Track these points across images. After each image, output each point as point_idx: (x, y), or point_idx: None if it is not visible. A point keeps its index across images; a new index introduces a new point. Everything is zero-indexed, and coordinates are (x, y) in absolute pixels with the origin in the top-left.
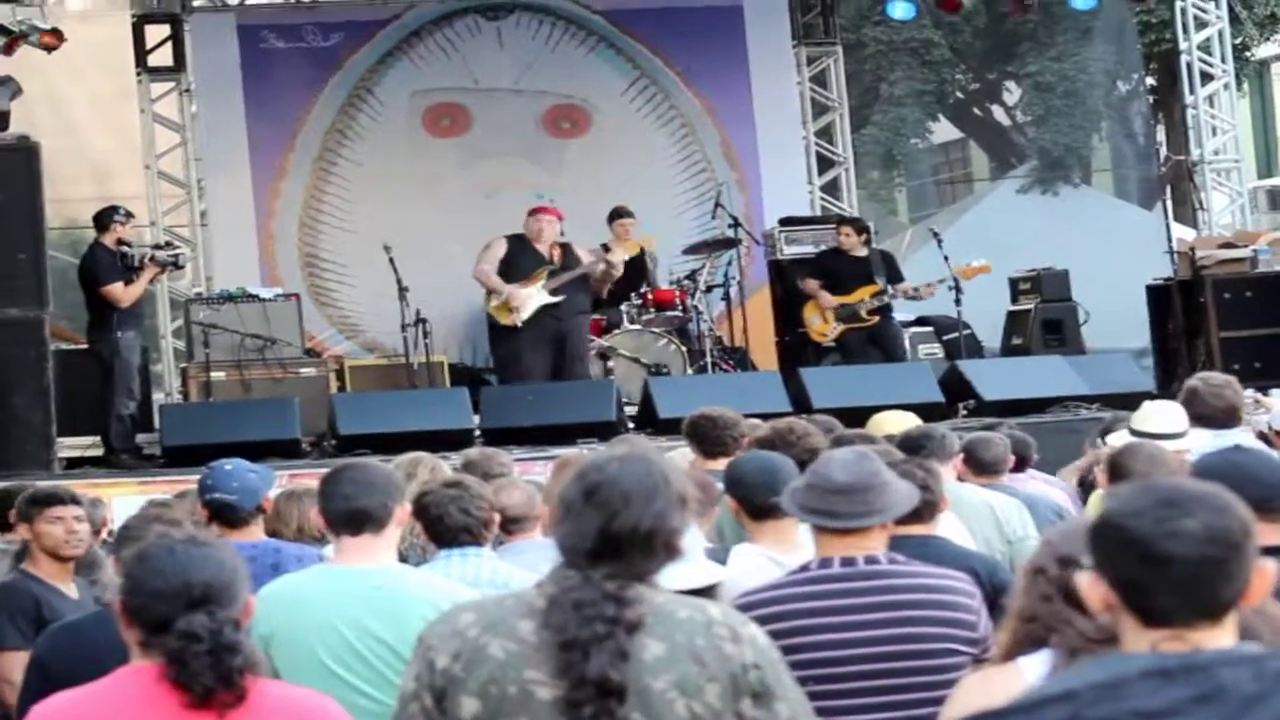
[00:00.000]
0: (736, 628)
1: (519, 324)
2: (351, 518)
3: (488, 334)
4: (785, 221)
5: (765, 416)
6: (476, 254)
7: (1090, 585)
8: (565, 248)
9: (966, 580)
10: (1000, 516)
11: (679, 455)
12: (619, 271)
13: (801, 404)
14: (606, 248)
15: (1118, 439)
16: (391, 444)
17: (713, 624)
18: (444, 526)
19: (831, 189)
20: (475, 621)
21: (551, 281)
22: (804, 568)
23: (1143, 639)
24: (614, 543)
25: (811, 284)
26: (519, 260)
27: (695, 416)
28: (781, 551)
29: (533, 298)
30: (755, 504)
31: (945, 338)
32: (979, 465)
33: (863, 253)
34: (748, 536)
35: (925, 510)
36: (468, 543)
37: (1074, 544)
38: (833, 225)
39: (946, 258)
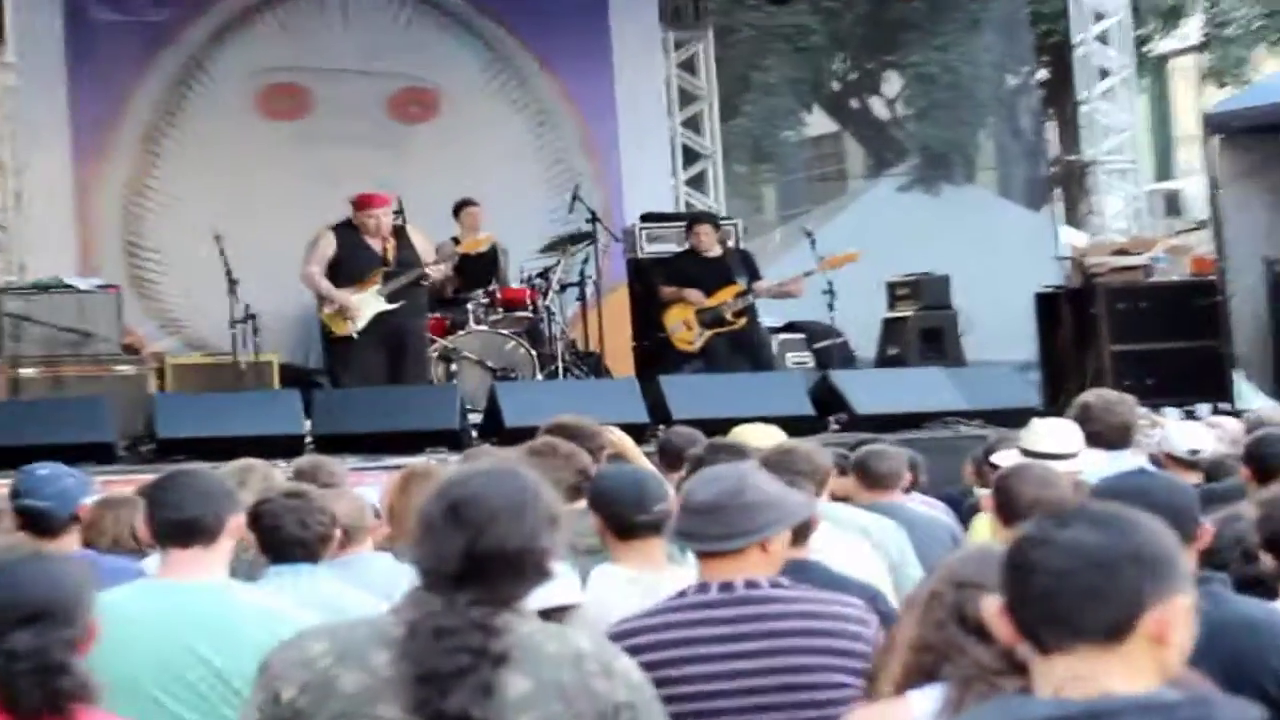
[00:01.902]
0: (609, 662)
1: (354, 334)
2: (181, 528)
3: (319, 339)
4: (646, 218)
5: (623, 428)
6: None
7: (992, 610)
8: (400, 235)
9: (860, 606)
10: (875, 539)
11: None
12: (442, 273)
13: (660, 414)
14: (457, 240)
15: (1004, 458)
16: (215, 449)
17: (583, 658)
18: (278, 539)
19: (697, 183)
20: (327, 651)
21: (388, 285)
22: (681, 594)
23: (1048, 677)
24: (479, 564)
25: (670, 291)
26: (351, 259)
27: (552, 426)
28: (647, 572)
29: (368, 304)
30: (622, 522)
31: (816, 346)
32: (872, 478)
33: (718, 252)
34: (608, 554)
35: (797, 531)
36: (301, 558)
37: (973, 568)
38: (690, 221)
39: (821, 259)
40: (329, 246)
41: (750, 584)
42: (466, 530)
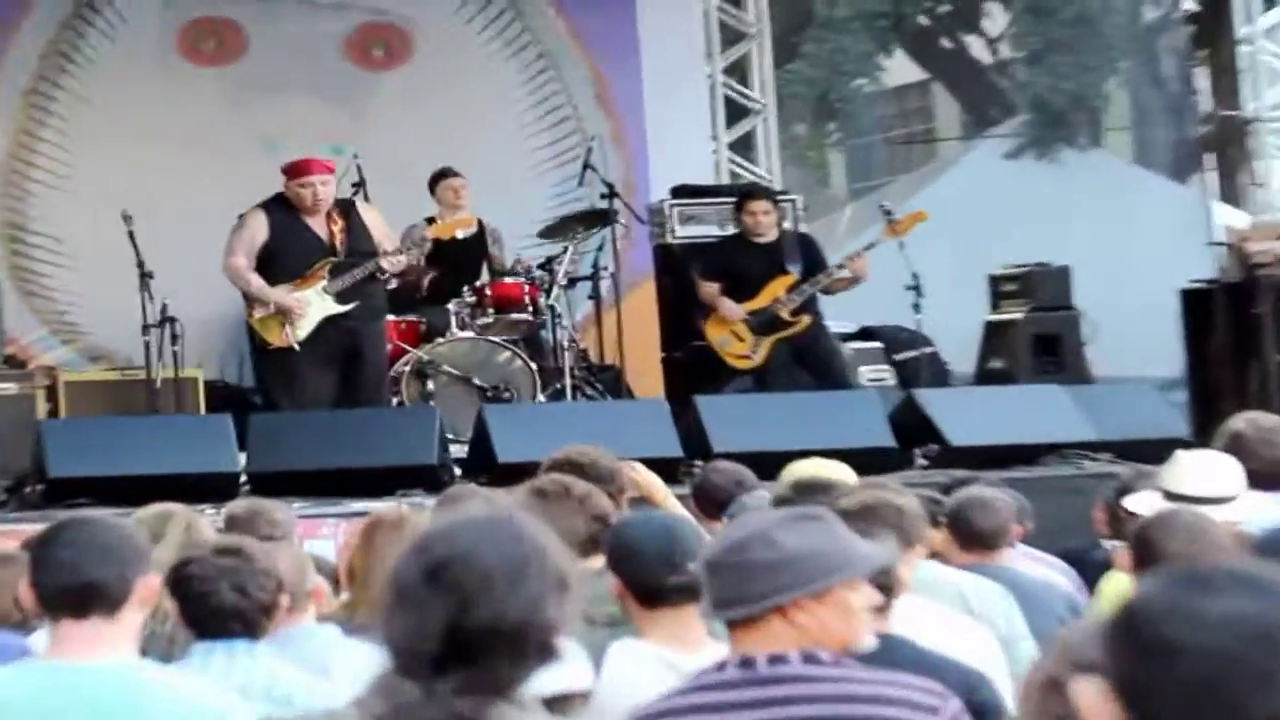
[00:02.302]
0: None
1: (295, 345)
2: (75, 595)
3: (250, 352)
4: (679, 192)
5: (650, 463)
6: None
7: (1095, 699)
8: (349, 214)
9: (934, 691)
10: (976, 608)
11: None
12: (410, 259)
13: (696, 445)
14: (432, 221)
15: (1142, 503)
16: (122, 492)
17: None
18: (208, 609)
19: (744, 147)
20: None
21: (338, 280)
22: (699, 674)
23: None
24: (468, 643)
25: (710, 290)
26: (287, 246)
27: (558, 461)
28: (680, 651)
29: (312, 306)
30: (646, 584)
31: (898, 357)
32: (971, 534)
33: (772, 235)
34: (631, 625)
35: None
36: (237, 634)
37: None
38: (739, 198)
39: (902, 245)
40: (258, 231)
41: (775, 660)
42: (452, 598)
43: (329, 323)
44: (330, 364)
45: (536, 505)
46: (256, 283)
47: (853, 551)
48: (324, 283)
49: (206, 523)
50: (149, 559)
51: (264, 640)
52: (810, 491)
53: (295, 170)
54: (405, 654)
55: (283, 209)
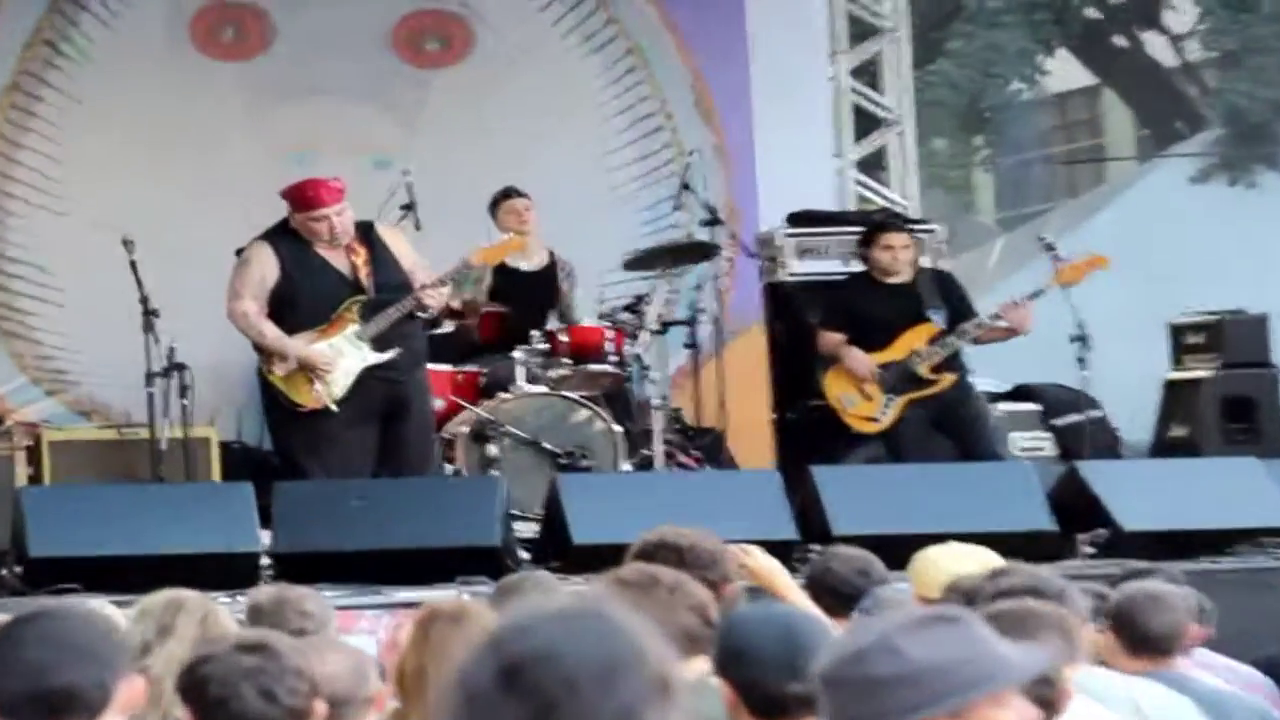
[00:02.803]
0: None
1: (331, 405)
2: (42, 704)
3: (264, 411)
4: (795, 219)
5: (764, 546)
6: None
7: None
8: (367, 238)
9: None
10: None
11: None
12: (473, 294)
13: (814, 527)
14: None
15: None
16: (119, 576)
17: None
18: (229, 716)
19: (874, 166)
20: None
21: (372, 324)
22: None
23: None
24: None
25: (832, 340)
26: (303, 285)
27: (650, 544)
28: None
29: (345, 358)
30: (765, 693)
31: (1059, 422)
32: (1140, 640)
33: (908, 275)
34: None
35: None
36: None
37: None
38: (870, 229)
39: (1058, 269)
40: (266, 269)
41: None
42: (530, 706)
43: (367, 375)
44: (368, 424)
45: (624, 598)
46: (272, 333)
47: (998, 659)
48: (355, 327)
49: (226, 614)
50: (126, 655)
51: None
52: (968, 592)
53: (303, 201)
54: None
55: (291, 240)
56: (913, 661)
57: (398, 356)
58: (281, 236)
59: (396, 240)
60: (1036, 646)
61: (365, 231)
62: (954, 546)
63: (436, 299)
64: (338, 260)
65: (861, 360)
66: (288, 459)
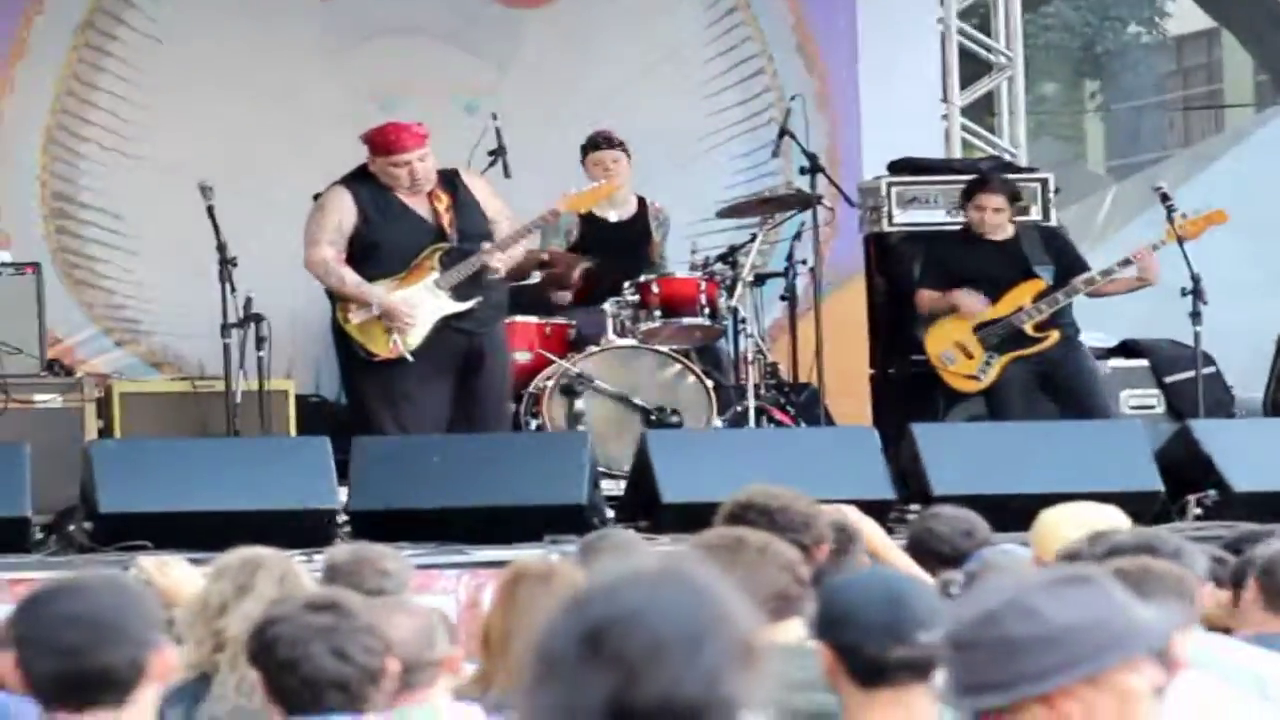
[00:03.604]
0: None
1: (408, 355)
2: (75, 683)
3: (341, 364)
4: (899, 167)
5: (860, 506)
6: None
7: None
8: (451, 184)
9: None
10: (1276, 693)
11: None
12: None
13: (914, 486)
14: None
15: None
16: (191, 533)
17: None
18: (300, 678)
19: (982, 112)
20: None
21: (452, 273)
22: None
23: None
24: None
25: (930, 297)
26: (383, 232)
27: (741, 504)
28: None
29: (423, 307)
30: (866, 659)
31: (1169, 379)
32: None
33: (1008, 233)
34: (844, 710)
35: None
36: (338, 708)
37: None
38: (966, 186)
39: (1174, 224)
40: (345, 214)
41: None
42: (614, 671)
43: (444, 326)
44: (444, 377)
45: (712, 560)
46: (352, 279)
47: (1135, 623)
48: (435, 275)
49: (305, 572)
50: (160, 624)
51: (373, 717)
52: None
53: (384, 145)
54: None
55: (371, 186)
56: (1051, 623)
57: (476, 308)
58: (361, 182)
59: (481, 187)
60: (1160, 608)
61: (449, 178)
62: (1081, 507)
63: (517, 254)
64: (419, 207)
65: (973, 300)
66: (360, 411)
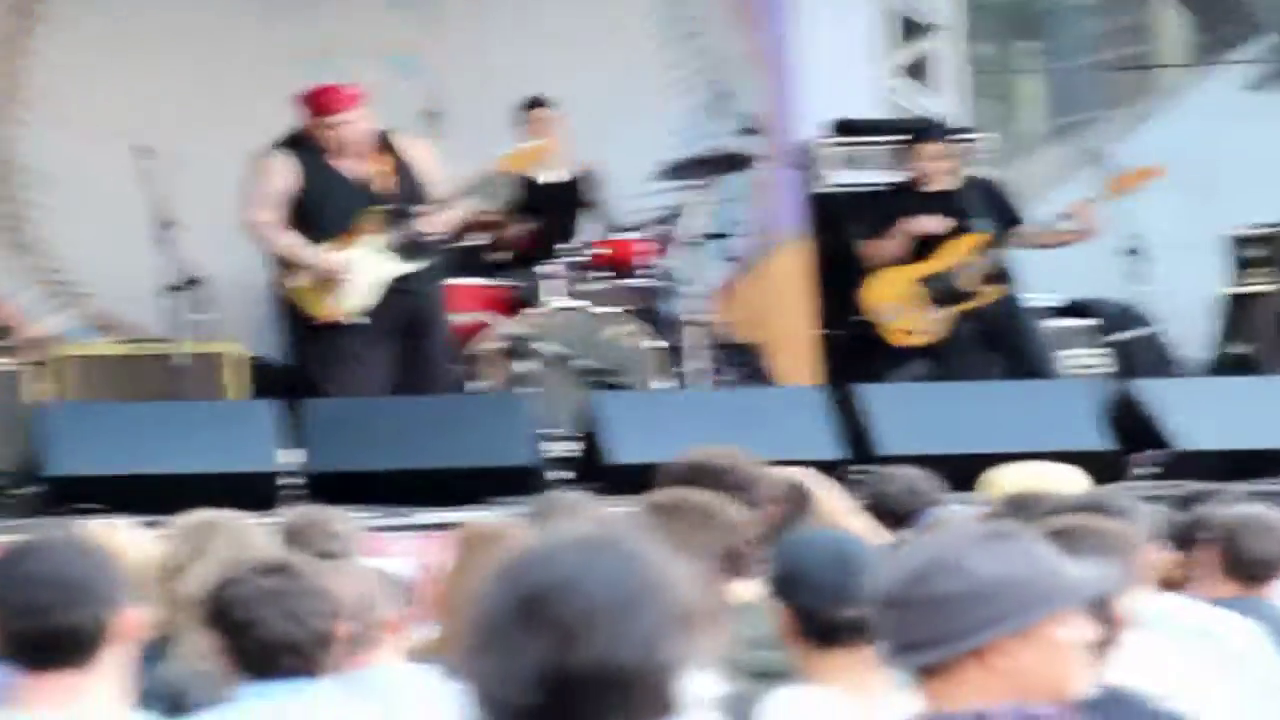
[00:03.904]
0: None
1: (349, 319)
2: (36, 642)
3: (282, 327)
4: (838, 128)
5: (807, 466)
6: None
7: None
8: (388, 145)
9: None
10: (1226, 651)
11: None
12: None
13: (860, 446)
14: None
15: None
16: (139, 495)
17: None
18: (255, 641)
19: (918, 72)
20: None
21: (391, 235)
22: None
23: None
24: (569, 690)
25: (874, 247)
26: (321, 195)
27: (683, 466)
28: (857, 697)
29: (363, 269)
30: (820, 620)
31: (1115, 338)
32: (1241, 564)
33: (950, 184)
34: (798, 669)
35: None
36: (295, 671)
37: None
38: (907, 140)
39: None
40: (282, 177)
41: (982, 718)
42: (549, 637)
43: (387, 289)
44: (389, 339)
45: (658, 522)
46: (290, 242)
47: (1060, 577)
48: (373, 237)
49: (261, 535)
50: (123, 584)
51: (326, 680)
52: (1025, 507)
53: (317, 107)
54: (494, 704)
55: (307, 148)
56: (979, 579)
57: (417, 270)
58: (297, 145)
59: (418, 149)
60: (1097, 565)
61: (384, 139)
62: (1022, 467)
63: (437, 225)
64: (356, 169)
65: (927, 219)
66: (306, 375)
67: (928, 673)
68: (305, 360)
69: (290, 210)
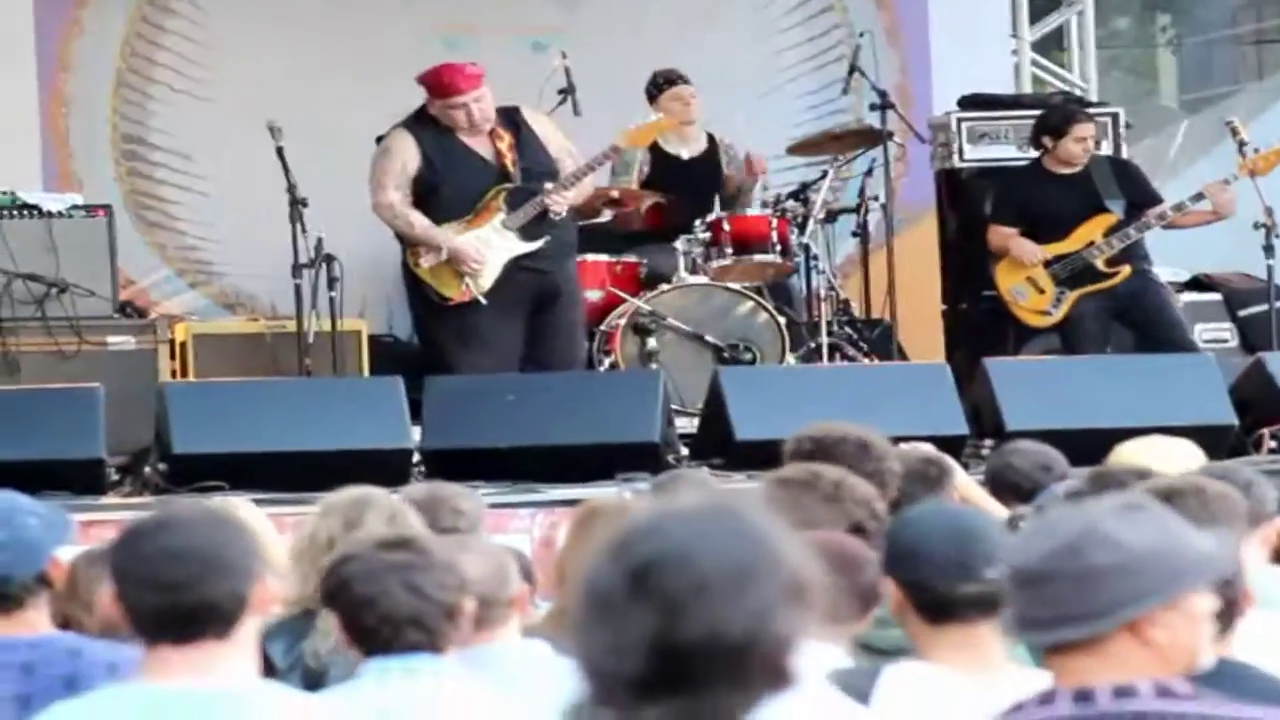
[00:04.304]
0: None
1: (480, 298)
2: (178, 617)
3: (412, 310)
4: (969, 103)
5: (934, 442)
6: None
7: None
8: (513, 123)
9: None
10: None
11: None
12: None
13: (988, 422)
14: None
15: None
16: (266, 473)
17: None
18: (378, 616)
19: (1051, 46)
20: None
21: (519, 213)
22: (1016, 708)
23: None
24: (679, 663)
25: (1002, 233)
26: (447, 175)
27: (807, 440)
28: (973, 674)
29: (492, 248)
30: (934, 594)
31: (1243, 313)
32: None
33: (1079, 167)
34: (912, 646)
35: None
36: (418, 647)
37: None
38: (1063, 118)
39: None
40: (408, 158)
41: (1122, 692)
42: (658, 608)
43: (514, 266)
44: (517, 317)
45: (781, 497)
46: (421, 223)
47: (1198, 549)
48: (501, 216)
49: (410, 511)
50: (261, 557)
51: (451, 656)
52: (1113, 483)
53: (440, 87)
54: (603, 677)
55: (432, 128)
56: (1132, 550)
57: (546, 246)
58: (422, 124)
59: (544, 124)
60: (1222, 537)
61: (510, 116)
62: (1150, 441)
63: (582, 191)
64: (481, 147)
65: (1030, 249)
66: (435, 354)
67: (1068, 648)
68: (437, 340)
69: (416, 189)
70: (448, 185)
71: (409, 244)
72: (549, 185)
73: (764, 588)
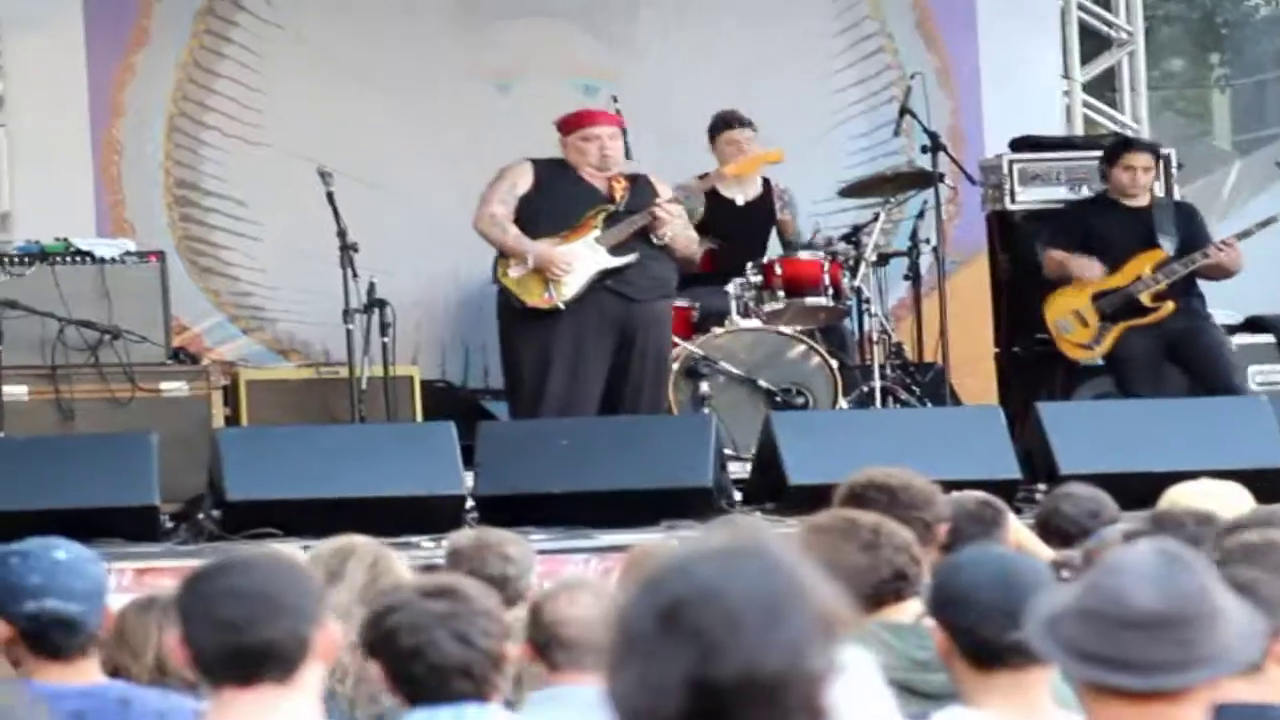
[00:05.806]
0: None
1: (560, 304)
2: (240, 659)
3: (498, 322)
4: (1020, 145)
5: (980, 487)
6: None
7: None
8: (635, 180)
9: None
10: None
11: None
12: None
13: (1041, 465)
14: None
15: None
16: (319, 520)
17: None
18: (427, 667)
19: (1103, 88)
20: None
21: (613, 233)
22: None
23: None
24: (715, 700)
25: (1057, 257)
26: (556, 200)
27: (856, 485)
28: None
29: (581, 260)
30: (983, 641)
31: None
32: None
33: (1144, 200)
34: (958, 691)
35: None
36: (465, 695)
37: None
38: (1100, 154)
39: None
40: (520, 181)
41: None
42: (692, 646)
43: (601, 285)
44: (599, 337)
45: (818, 542)
46: (514, 233)
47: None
48: (595, 233)
49: (397, 561)
50: (326, 603)
51: (497, 704)
52: (1173, 525)
53: (579, 118)
54: (637, 716)
55: (556, 164)
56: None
57: (636, 277)
58: (548, 161)
59: (664, 189)
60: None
61: (634, 173)
62: (1201, 485)
63: (668, 214)
64: (598, 183)
65: (1089, 265)
66: (513, 365)
67: (1156, 698)
68: (514, 350)
69: (522, 209)
70: (554, 207)
71: (501, 255)
72: (660, 201)
73: (796, 622)
